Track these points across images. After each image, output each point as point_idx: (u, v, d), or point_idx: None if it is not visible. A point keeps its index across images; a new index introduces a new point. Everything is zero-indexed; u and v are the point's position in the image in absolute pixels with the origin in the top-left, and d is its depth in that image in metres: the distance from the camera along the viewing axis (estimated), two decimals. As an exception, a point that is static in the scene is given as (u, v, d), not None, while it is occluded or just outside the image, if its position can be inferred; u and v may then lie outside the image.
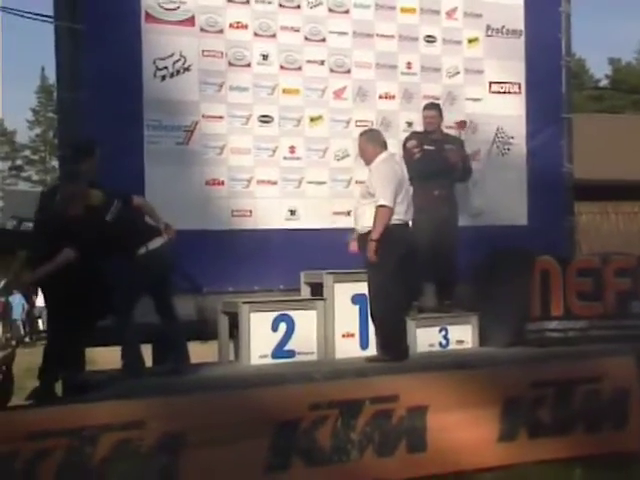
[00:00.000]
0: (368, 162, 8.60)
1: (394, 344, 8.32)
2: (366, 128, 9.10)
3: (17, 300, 23.71)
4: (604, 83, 49.91)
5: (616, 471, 7.20)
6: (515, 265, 9.20)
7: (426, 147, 9.34)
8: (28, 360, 8.95)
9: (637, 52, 51.12)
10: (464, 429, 7.07)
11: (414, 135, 9.54)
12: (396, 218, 8.30)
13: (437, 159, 9.29)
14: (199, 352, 8.67)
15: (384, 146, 8.62)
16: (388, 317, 8.28)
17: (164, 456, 6.11)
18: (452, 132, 9.74)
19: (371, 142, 8.59)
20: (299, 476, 6.56)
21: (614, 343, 9.08)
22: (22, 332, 23.07)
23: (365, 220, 8.36)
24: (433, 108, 9.54)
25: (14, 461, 5.73)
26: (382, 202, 8.25)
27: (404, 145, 9.39)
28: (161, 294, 7.81)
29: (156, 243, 7.71)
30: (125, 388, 7.15)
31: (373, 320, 8.37)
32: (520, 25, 10.53)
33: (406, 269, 8.29)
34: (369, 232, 8.26)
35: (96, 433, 5.91)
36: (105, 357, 8.63)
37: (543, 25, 10.61)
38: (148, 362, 8.09)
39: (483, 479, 7.06)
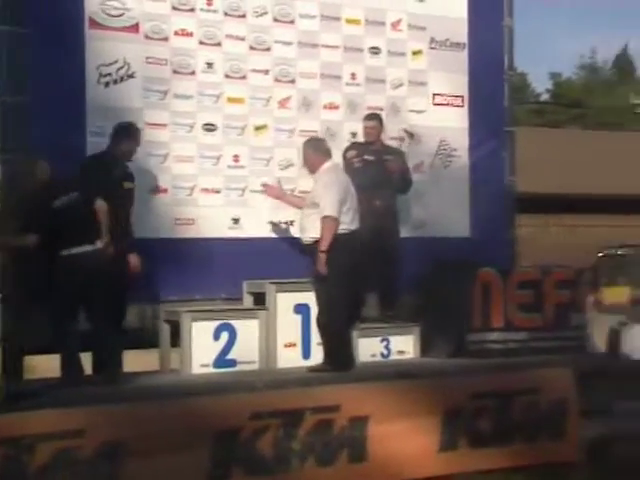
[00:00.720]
0: (312, 171, 8.64)
1: (340, 354, 8.34)
2: (310, 136, 9.13)
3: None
4: (545, 97, 50.46)
5: (554, 481, 7.28)
6: (457, 277, 9.27)
7: (366, 157, 9.39)
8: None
9: (577, 67, 51.81)
10: (405, 439, 7.09)
11: (354, 145, 9.59)
12: (342, 227, 8.33)
13: (377, 169, 9.33)
14: (142, 361, 8.62)
15: (328, 155, 8.67)
16: (335, 327, 8.31)
17: (104, 465, 6.04)
18: (396, 141, 9.81)
19: (315, 151, 8.63)
20: (240, 485, 6.54)
21: (553, 354, 9.19)
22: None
23: (311, 230, 8.38)
24: (373, 119, 9.59)
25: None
26: (327, 212, 8.28)
27: (344, 155, 9.42)
28: (90, 302, 7.76)
29: (82, 249, 7.67)
30: (64, 397, 7.09)
31: (319, 329, 8.38)
32: (463, 38, 10.61)
33: (352, 279, 8.32)
34: (315, 242, 8.28)
35: (34, 442, 5.84)
36: (44, 365, 8.53)
37: (486, 39, 10.71)
38: (88, 371, 8.00)
39: (424, 489, 7.09)
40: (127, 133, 8.35)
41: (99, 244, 7.76)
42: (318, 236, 8.31)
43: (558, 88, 50.18)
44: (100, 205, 7.84)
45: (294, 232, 9.15)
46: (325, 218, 8.27)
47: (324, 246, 8.23)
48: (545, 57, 73.22)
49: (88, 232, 7.75)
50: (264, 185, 9.25)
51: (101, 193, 7.86)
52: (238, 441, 6.53)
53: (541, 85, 63.81)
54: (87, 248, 7.71)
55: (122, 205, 8.14)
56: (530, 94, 48.85)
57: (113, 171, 8.17)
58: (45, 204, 7.72)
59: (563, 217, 23.73)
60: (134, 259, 8.21)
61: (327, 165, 8.58)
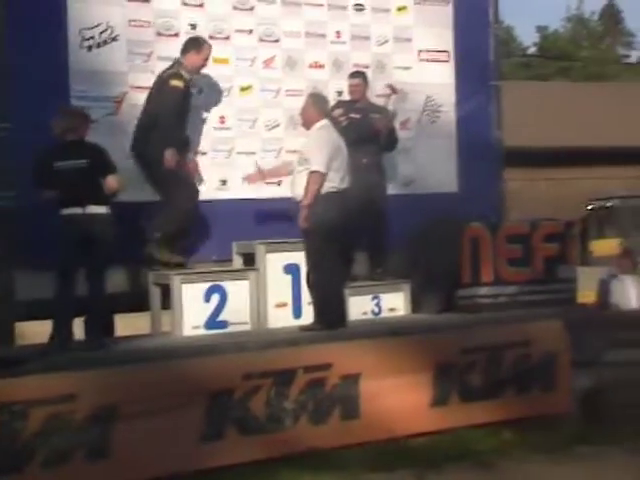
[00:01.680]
0: (307, 126, 8.60)
1: (331, 312, 8.34)
2: (316, 91, 9.12)
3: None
4: (532, 51, 50.30)
5: (545, 432, 7.32)
6: (446, 232, 9.28)
7: (352, 115, 9.38)
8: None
9: (564, 20, 51.58)
10: (397, 395, 7.13)
11: (340, 104, 9.57)
12: (332, 186, 8.31)
13: (363, 127, 9.32)
14: (133, 324, 8.63)
15: (326, 114, 8.66)
16: (325, 285, 8.30)
17: (96, 429, 6.07)
18: (382, 99, 9.77)
19: (316, 106, 8.60)
20: (233, 445, 6.58)
21: (543, 308, 9.22)
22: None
23: (302, 187, 8.36)
24: (357, 76, 9.57)
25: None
26: (315, 168, 8.26)
27: (330, 114, 9.37)
28: (91, 263, 7.75)
29: (74, 210, 7.64)
30: (55, 362, 7.09)
31: (309, 288, 8.39)
32: (448, -7, 10.55)
33: (342, 237, 8.32)
34: (306, 199, 8.27)
35: (26, 407, 5.86)
36: (33, 330, 8.53)
37: (471, -8, 10.65)
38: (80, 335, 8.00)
39: (417, 444, 7.13)
40: (195, 46, 8.66)
41: (95, 209, 7.73)
42: (308, 192, 8.31)
43: (545, 41, 49.99)
44: (110, 181, 7.79)
45: (283, 192, 9.14)
46: (312, 173, 8.25)
47: (307, 200, 8.22)
48: (532, 10, 72.80)
49: (87, 196, 7.70)
50: (247, 178, 9.20)
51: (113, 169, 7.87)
52: (231, 402, 6.57)
53: (528, 39, 63.60)
54: (78, 210, 7.68)
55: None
56: (517, 48, 48.67)
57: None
58: (51, 163, 7.67)
59: (551, 170, 23.71)
60: (193, 162, 8.89)
61: (322, 123, 8.55)
